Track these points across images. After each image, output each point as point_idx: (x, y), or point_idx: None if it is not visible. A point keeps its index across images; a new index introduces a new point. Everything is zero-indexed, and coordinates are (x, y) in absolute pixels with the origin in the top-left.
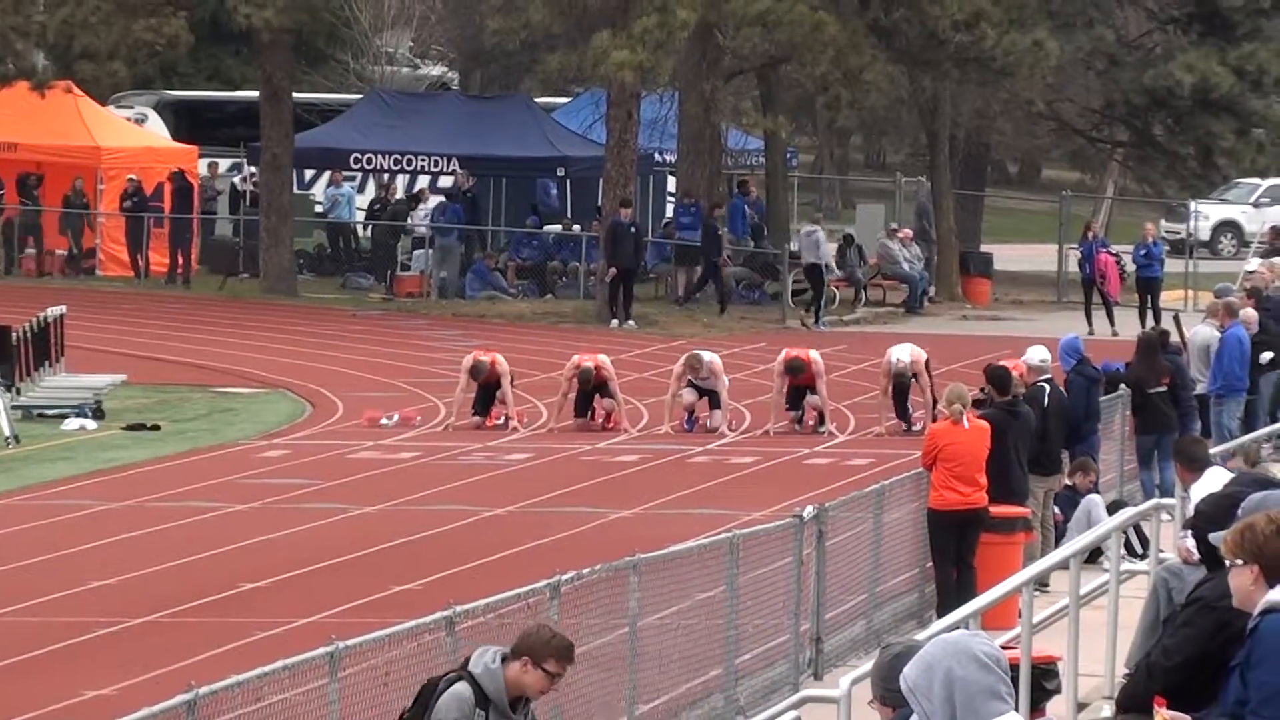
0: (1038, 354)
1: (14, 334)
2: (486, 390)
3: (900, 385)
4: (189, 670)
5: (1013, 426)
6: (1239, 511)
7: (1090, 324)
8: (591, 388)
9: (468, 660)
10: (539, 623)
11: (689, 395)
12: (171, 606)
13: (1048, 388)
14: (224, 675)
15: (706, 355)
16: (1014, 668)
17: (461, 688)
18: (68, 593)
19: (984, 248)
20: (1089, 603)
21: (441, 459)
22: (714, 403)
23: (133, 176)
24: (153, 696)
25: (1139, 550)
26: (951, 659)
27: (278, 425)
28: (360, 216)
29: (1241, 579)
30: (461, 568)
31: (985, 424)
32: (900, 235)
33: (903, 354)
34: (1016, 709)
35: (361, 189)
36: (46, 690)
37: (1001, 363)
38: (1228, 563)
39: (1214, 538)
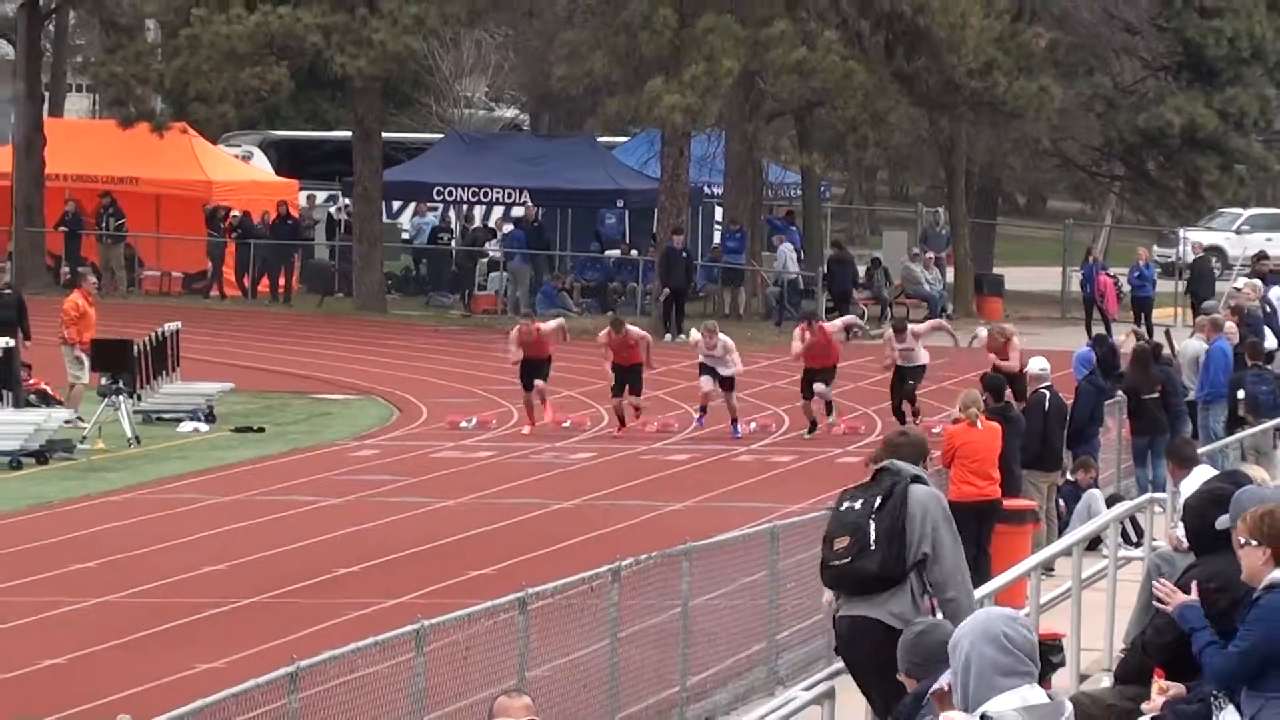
0: (1038, 364)
1: (135, 346)
2: (530, 365)
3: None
4: (290, 645)
5: (1005, 429)
6: (1232, 504)
7: (1090, 338)
8: (626, 373)
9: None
10: (899, 431)
11: (706, 383)
12: (274, 589)
13: (1048, 394)
14: (321, 650)
15: (720, 337)
16: None
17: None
18: (182, 577)
19: (996, 270)
20: (1090, 585)
21: (514, 458)
22: (727, 385)
23: (236, 212)
24: (258, 669)
25: (1134, 539)
26: (975, 635)
27: (369, 428)
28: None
29: (1253, 558)
30: (532, 554)
31: (997, 425)
32: (923, 259)
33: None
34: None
35: (443, 219)
36: (164, 663)
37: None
38: (1241, 542)
39: (1221, 521)
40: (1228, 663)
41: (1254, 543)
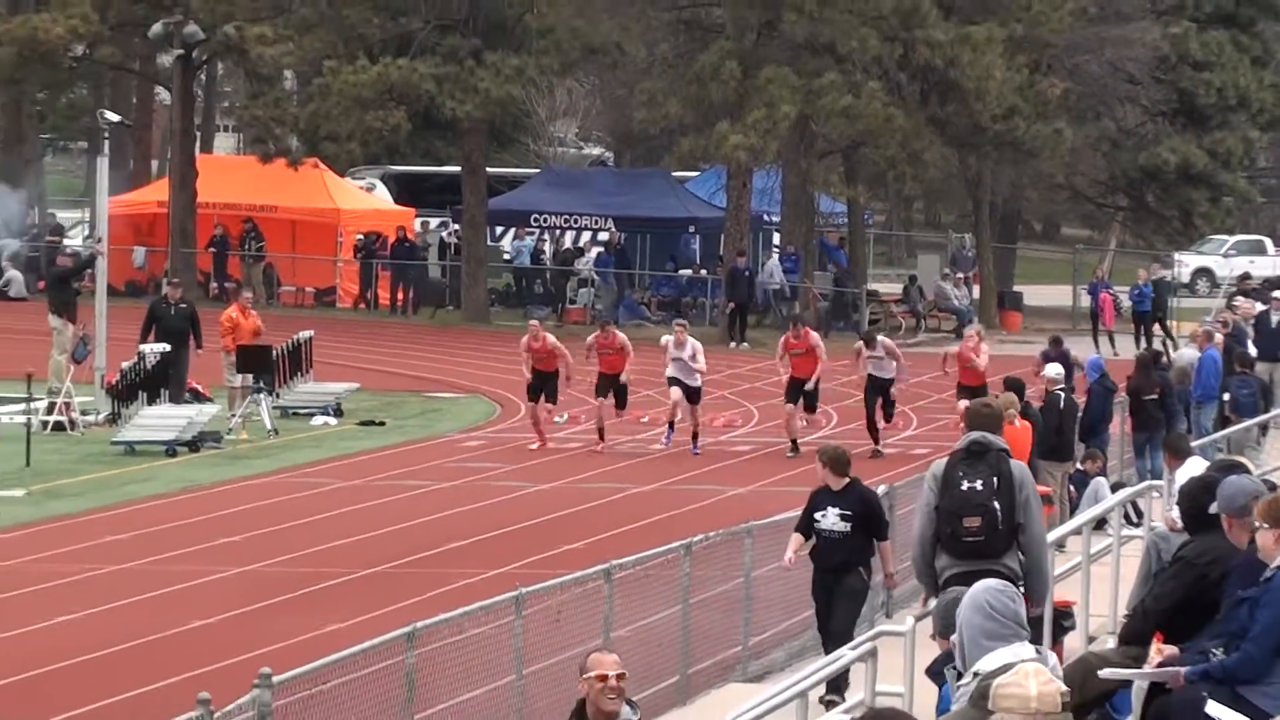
0: (1054, 369)
1: (275, 351)
2: (539, 377)
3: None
4: (407, 610)
5: None
6: (1218, 491)
7: (1097, 346)
8: (609, 381)
9: (987, 435)
10: (982, 403)
11: (676, 393)
12: (394, 560)
13: (1063, 395)
14: (434, 613)
15: (689, 340)
16: None
17: None
18: (314, 549)
19: (1016, 288)
20: (1097, 560)
21: (599, 448)
22: (693, 398)
23: (360, 235)
24: (380, 629)
25: (1135, 520)
26: (966, 607)
27: (474, 422)
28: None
29: (1266, 539)
30: (615, 531)
31: (1028, 425)
32: (953, 278)
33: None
34: (1038, 643)
35: (538, 242)
36: (298, 624)
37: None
38: (1256, 525)
39: (1212, 507)
40: (1248, 653)
41: (1265, 526)
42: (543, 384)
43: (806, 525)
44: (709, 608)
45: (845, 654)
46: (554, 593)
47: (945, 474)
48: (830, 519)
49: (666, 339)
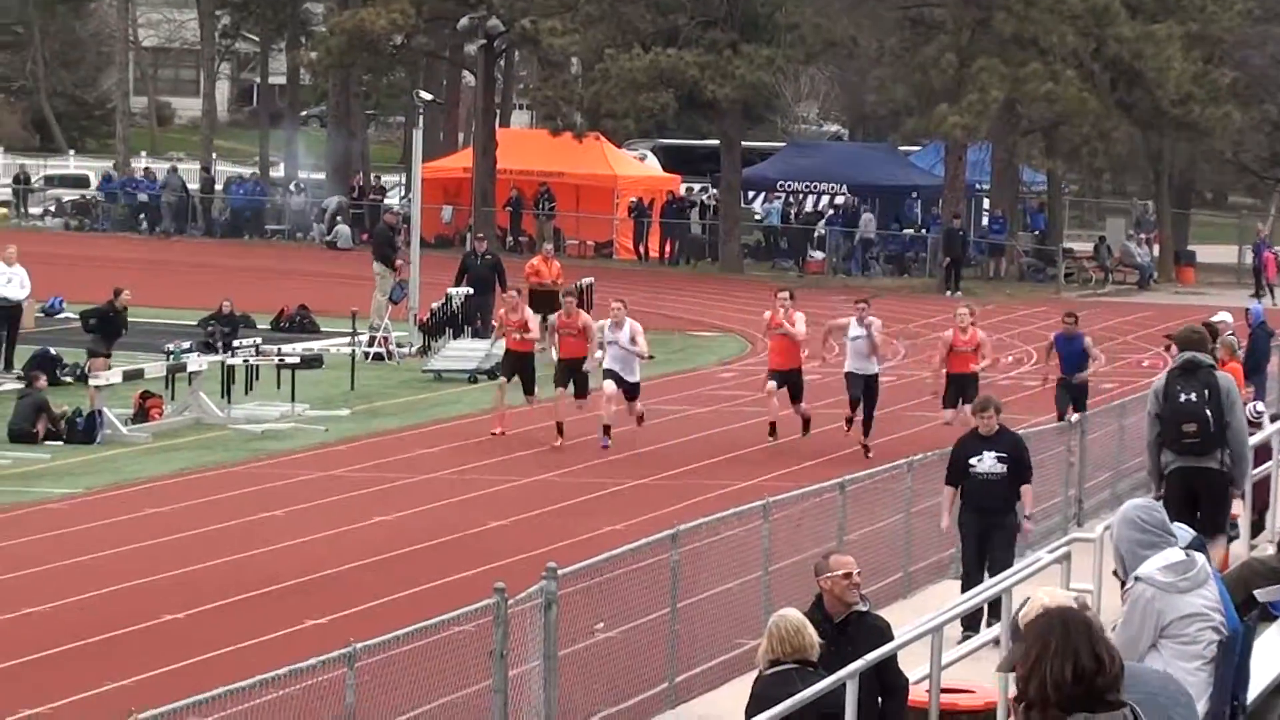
0: (1223, 316)
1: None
2: (510, 358)
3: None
4: (671, 514)
5: None
6: None
7: (1259, 297)
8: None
9: (1199, 355)
10: (1191, 329)
11: (609, 387)
12: (658, 473)
13: (1233, 339)
14: (694, 518)
15: (628, 320)
16: None
17: None
18: (592, 463)
19: (1190, 247)
20: (1257, 479)
21: (831, 380)
22: (631, 394)
23: (633, 200)
24: (649, 531)
25: None
26: (1118, 524)
27: (729, 357)
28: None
29: None
30: (846, 451)
31: (1238, 365)
32: (1137, 239)
33: None
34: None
35: (785, 204)
36: (579, 525)
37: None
38: None
39: None
40: None
41: None
42: (516, 366)
43: (957, 474)
44: (927, 516)
45: (1042, 556)
46: (796, 502)
47: (1165, 388)
48: (987, 462)
49: (603, 323)
